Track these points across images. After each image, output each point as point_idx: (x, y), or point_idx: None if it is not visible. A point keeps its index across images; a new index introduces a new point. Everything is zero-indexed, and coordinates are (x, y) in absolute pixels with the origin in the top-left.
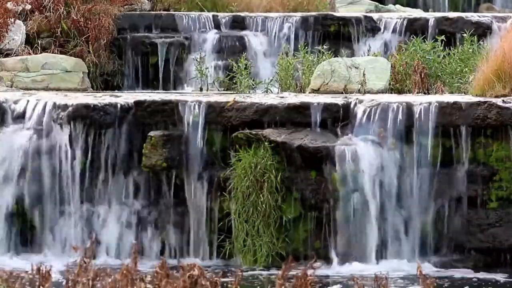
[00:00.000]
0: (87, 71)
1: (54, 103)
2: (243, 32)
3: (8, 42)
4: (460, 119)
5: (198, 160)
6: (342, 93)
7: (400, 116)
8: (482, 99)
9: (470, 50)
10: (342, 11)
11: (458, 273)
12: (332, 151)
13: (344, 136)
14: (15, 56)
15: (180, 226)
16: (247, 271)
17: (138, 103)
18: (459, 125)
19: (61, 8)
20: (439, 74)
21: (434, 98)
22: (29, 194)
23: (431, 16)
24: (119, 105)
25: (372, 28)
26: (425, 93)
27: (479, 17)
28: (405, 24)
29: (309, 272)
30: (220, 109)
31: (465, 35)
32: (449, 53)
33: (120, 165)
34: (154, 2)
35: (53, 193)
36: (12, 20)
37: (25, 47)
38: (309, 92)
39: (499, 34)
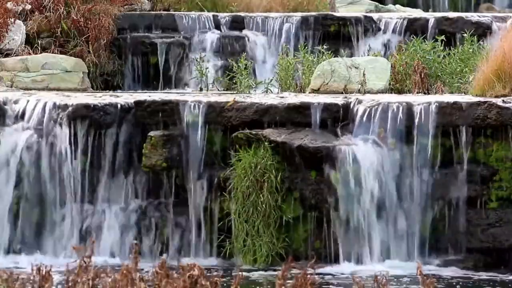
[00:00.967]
0: (87, 71)
1: (54, 103)
2: (243, 32)
3: (8, 42)
4: (460, 119)
5: (198, 160)
6: (342, 93)
7: (400, 116)
8: (482, 99)
9: (470, 50)
10: (342, 11)
11: (458, 273)
12: (332, 151)
13: (344, 136)
14: (15, 56)
15: (180, 226)
16: (247, 271)
17: (138, 103)
18: (459, 125)
19: (61, 8)
20: (439, 74)
21: (434, 98)
22: (29, 194)
23: (431, 16)
24: (119, 105)
25: (372, 28)
26: (425, 93)
27: (479, 17)
28: (405, 24)
29: (309, 272)
30: (220, 109)
31: (465, 35)
32: (449, 53)
33: (120, 165)
34: (154, 2)
35: (53, 193)
36: (12, 20)
37: (25, 47)
38: (309, 92)
39: (499, 34)
